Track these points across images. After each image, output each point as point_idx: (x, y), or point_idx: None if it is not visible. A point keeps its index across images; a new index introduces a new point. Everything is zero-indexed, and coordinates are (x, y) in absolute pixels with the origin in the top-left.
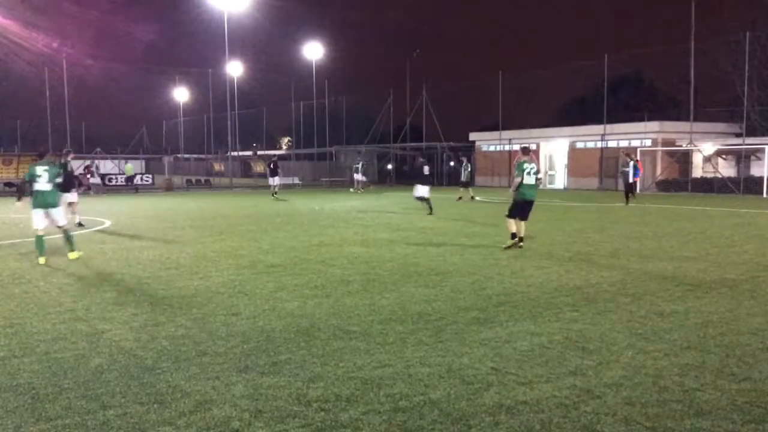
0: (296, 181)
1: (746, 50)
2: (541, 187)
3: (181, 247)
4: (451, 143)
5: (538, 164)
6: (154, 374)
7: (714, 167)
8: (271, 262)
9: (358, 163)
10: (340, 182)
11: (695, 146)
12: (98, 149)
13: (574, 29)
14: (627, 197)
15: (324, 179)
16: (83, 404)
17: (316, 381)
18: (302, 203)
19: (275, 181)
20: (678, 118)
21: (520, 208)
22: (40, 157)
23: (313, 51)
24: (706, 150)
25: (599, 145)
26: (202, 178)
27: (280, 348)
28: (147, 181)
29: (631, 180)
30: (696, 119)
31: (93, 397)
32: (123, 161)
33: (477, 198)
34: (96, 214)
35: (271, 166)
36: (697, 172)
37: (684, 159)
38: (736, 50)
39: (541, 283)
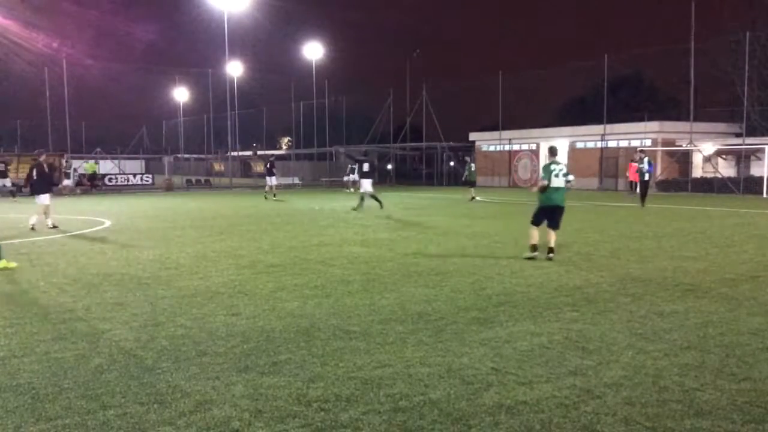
0: (296, 181)
1: (746, 50)
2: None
3: (181, 247)
4: (451, 143)
5: (538, 164)
6: (154, 374)
7: (714, 167)
8: (271, 262)
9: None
10: (340, 182)
11: (695, 146)
12: (98, 149)
13: (574, 29)
14: (643, 199)
15: (324, 179)
16: (83, 404)
17: (316, 381)
18: (302, 203)
19: (272, 181)
20: (678, 118)
21: (546, 215)
22: None
23: (313, 51)
24: (706, 150)
25: (599, 145)
26: (202, 178)
27: (280, 348)
28: (147, 181)
29: (647, 177)
30: (696, 119)
31: (93, 397)
32: (123, 161)
33: (477, 198)
34: (96, 214)
35: (268, 166)
36: (697, 172)
37: (684, 159)
38: (736, 50)
39: (541, 283)
